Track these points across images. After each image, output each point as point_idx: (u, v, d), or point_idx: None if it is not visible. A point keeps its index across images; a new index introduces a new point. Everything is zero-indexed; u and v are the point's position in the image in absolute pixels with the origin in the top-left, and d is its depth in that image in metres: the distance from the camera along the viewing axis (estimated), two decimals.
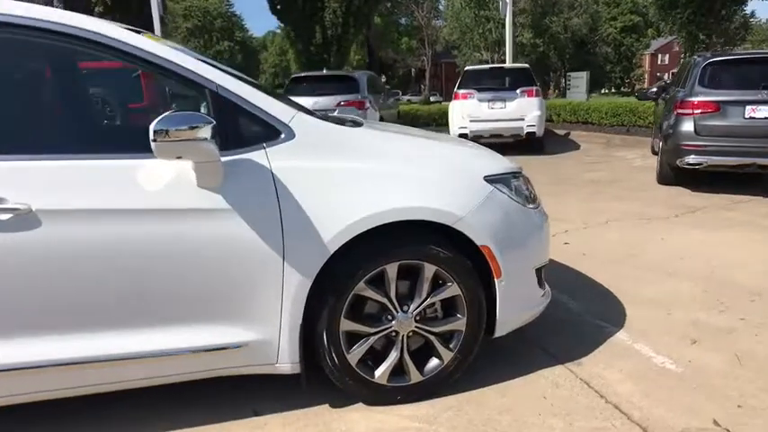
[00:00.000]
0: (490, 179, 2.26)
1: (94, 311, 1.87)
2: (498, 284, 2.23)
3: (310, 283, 2.01)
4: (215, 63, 2.18)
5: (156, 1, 12.48)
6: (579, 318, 3.03)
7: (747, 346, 2.65)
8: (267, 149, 1.99)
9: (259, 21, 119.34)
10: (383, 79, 44.68)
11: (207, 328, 1.99)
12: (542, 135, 9.95)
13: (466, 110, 9.81)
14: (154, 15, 12.32)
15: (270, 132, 2.01)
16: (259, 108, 2.01)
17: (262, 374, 2.13)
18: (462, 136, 10.01)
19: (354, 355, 2.15)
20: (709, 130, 5.89)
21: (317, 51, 15.79)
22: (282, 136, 2.02)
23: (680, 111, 6.08)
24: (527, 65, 11.59)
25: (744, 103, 5.79)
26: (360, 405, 2.24)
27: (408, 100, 38.07)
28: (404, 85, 55.25)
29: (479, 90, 9.80)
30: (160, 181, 1.87)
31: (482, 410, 2.19)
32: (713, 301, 3.17)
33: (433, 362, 2.26)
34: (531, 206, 2.41)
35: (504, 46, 13.71)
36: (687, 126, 5.98)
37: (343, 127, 2.19)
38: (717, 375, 2.40)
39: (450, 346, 2.26)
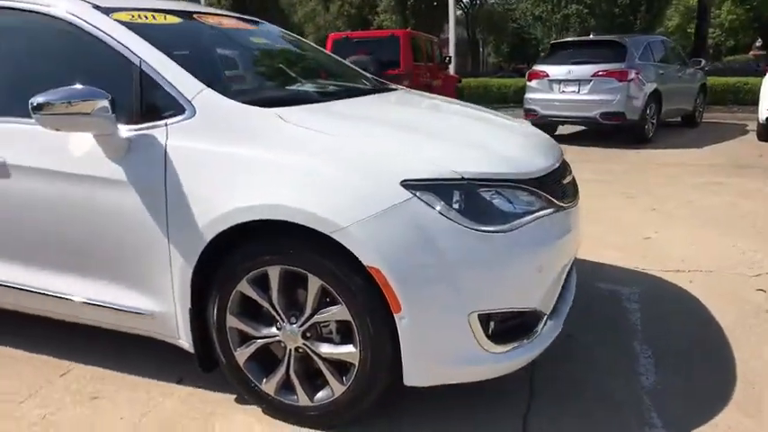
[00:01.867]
0: (413, 184, 1.72)
1: (33, 251, 2.21)
2: (399, 321, 1.73)
3: (191, 269, 1.92)
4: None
5: None
6: (630, 400, 2.09)
7: None
8: (168, 126, 1.95)
9: None
10: (758, 43, 36.33)
11: (118, 288, 2.11)
12: None
13: None
14: None
15: (174, 108, 1.95)
16: (169, 82, 1.96)
17: None
18: None
19: (241, 354, 1.99)
20: None
21: (622, 12, 13.67)
22: (184, 113, 1.94)
23: None
24: None
25: None
26: (258, 412, 2.07)
27: None
28: None
29: None
30: (81, 148, 2.03)
31: None
32: None
33: (325, 390, 1.93)
34: (488, 228, 1.74)
35: None
36: None
37: (255, 108, 1.95)
38: None
39: (344, 378, 1.88)
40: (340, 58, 3.37)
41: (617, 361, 2.36)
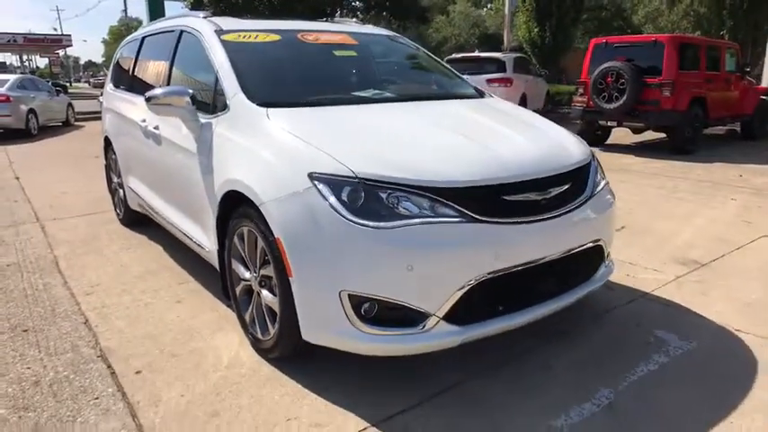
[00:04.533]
0: (316, 176, 2.12)
1: (169, 193, 3.33)
2: (292, 284, 2.17)
3: (214, 219, 2.70)
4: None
5: None
6: None
7: None
8: (218, 117, 2.75)
9: None
10: None
11: (195, 226, 3.06)
12: None
13: None
14: None
15: (224, 105, 2.73)
16: (225, 86, 2.75)
17: None
18: None
19: (237, 289, 2.68)
20: None
21: None
22: (226, 109, 2.71)
23: None
24: None
25: None
26: (242, 334, 2.71)
27: None
28: None
29: None
30: (183, 128, 2.99)
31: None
32: None
33: (269, 330, 2.45)
34: (365, 222, 2.00)
35: None
36: None
37: (255, 108, 2.56)
38: None
39: (275, 323, 2.38)
40: (451, 69, 3.66)
41: (567, 396, 2.21)
